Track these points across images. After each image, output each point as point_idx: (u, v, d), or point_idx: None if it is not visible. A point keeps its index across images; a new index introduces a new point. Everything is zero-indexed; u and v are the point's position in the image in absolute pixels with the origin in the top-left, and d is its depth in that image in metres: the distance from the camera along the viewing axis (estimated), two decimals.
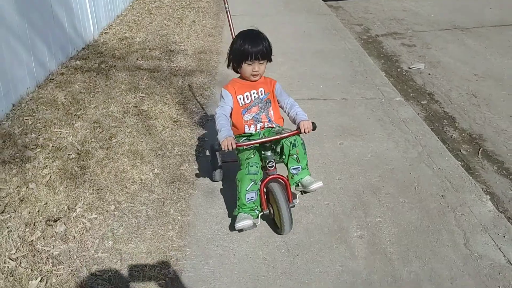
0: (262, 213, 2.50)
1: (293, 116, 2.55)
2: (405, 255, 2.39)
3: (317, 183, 2.54)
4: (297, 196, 2.62)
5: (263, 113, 2.59)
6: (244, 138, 2.59)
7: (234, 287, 2.19)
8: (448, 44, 6.17)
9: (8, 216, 2.57)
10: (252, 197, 2.45)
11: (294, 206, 2.53)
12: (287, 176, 2.54)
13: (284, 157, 2.55)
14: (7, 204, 2.67)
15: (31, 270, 2.21)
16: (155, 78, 4.55)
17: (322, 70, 5.02)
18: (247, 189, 2.42)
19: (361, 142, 3.49)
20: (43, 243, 2.39)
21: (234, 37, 2.71)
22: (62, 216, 2.59)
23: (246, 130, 2.57)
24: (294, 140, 2.51)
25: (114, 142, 3.35)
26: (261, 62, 2.50)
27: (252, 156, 2.50)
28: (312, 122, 2.46)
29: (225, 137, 2.35)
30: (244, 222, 2.39)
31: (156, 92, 4.21)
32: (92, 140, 3.36)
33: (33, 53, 4.18)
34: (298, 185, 2.61)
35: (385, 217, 2.68)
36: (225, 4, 3.32)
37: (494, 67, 5.29)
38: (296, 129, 2.46)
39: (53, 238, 2.43)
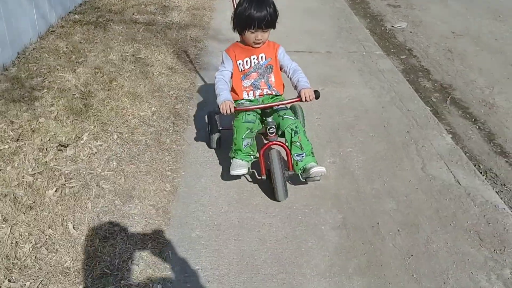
0: (259, 177, 2.51)
1: (295, 83, 2.49)
2: (369, 176, 2.78)
3: (318, 168, 2.39)
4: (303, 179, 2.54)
5: (262, 80, 2.56)
6: (243, 101, 2.60)
7: (222, 198, 2.58)
8: (431, 5, 6.44)
9: (22, 143, 2.92)
10: (248, 142, 2.46)
11: (293, 174, 2.50)
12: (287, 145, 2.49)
13: (287, 144, 2.49)
14: (20, 133, 3.01)
15: (47, 183, 2.58)
16: (151, 30, 4.83)
17: (310, 26, 5.31)
18: (243, 136, 2.43)
19: (340, 89, 3.84)
20: (55, 163, 2.75)
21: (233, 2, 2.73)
22: (70, 143, 2.95)
23: (245, 96, 2.57)
24: (296, 127, 2.44)
25: (114, 84, 3.68)
26: (265, 30, 2.42)
27: (251, 113, 2.49)
28: (315, 91, 2.41)
29: (224, 101, 2.35)
30: (239, 170, 2.43)
31: (152, 43, 4.50)
32: (94, 83, 3.68)
33: (35, 5, 4.43)
34: (303, 171, 2.47)
35: (356, 148, 3.06)
36: None
37: (472, 26, 5.60)
38: (297, 97, 2.42)
39: (64, 160, 2.79)
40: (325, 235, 2.32)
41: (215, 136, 2.88)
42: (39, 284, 1.98)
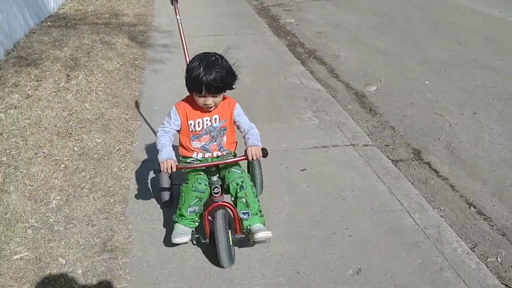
0: (204, 241, 2.36)
1: (245, 141, 2.41)
2: (260, 82, 4.99)
3: (264, 232, 2.28)
4: (249, 241, 2.41)
5: (214, 143, 2.46)
6: (192, 159, 2.50)
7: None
8: (314, 8, 9.03)
9: (40, 83, 4.84)
10: (195, 210, 2.35)
11: (241, 238, 2.36)
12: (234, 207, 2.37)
13: (232, 198, 2.39)
14: (38, 79, 4.93)
15: (65, 92, 4.54)
16: (109, 27, 6.89)
17: (222, 23, 7.62)
18: (190, 204, 2.32)
19: (242, 51, 6.10)
20: (66, 87, 4.71)
21: (184, 50, 2.84)
22: (71, 79, 4.91)
23: (194, 155, 2.48)
24: (242, 181, 2.33)
25: (92, 54, 5.69)
26: (215, 95, 2.27)
27: (202, 173, 2.38)
28: (263, 149, 2.31)
29: (165, 159, 2.25)
30: (181, 238, 2.31)
31: (112, 34, 6.56)
32: (78, 54, 5.66)
33: (21, 13, 6.38)
34: (248, 232, 2.35)
35: (248, 72, 5.28)
36: (176, 15, 3.14)
37: (338, 19, 8.17)
38: (243, 155, 2.31)
39: (70, 86, 4.76)
40: None
41: (165, 194, 2.77)
42: None
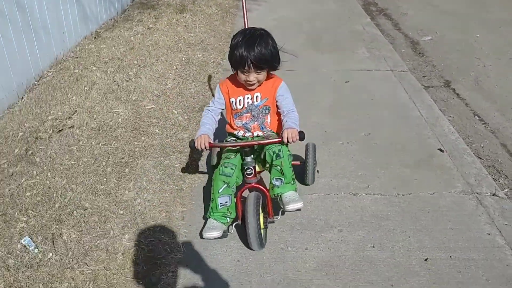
0: (236, 222, 2.34)
1: (283, 124, 2.34)
2: (327, 29, 6.13)
3: (296, 203, 2.24)
4: (280, 212, 2.40)
5: (255, 122, 2.43)
6: (232, 138, 2.50)
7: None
8: None
9: (158, 20, 6.40)
10: (226, 202, 2.30)
11: (273, 222, 2.37)
12: (269, 184, 2.35)
13: (267, 165, 2.36)
14: (157, 16, 6.50)
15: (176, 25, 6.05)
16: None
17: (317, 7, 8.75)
18: (219, 191, 2.29)
19: (319, 5, 7.22)
20: (176, 21, 6.22)
21: (244, 19, 2.85)
22: (182, 18, 6.42)
23: (235, 133, 2.48)
24: (279, 150, 2.28)
25: (196, 2, 7.16)
26: (258, 71, 2.23)
27: (232, 157, 2.35)
28: (300, 131, 2.22)
29: (200, 135, 2.26)
30: (211, 233, 2.24)
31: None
32: (187, 3, 7.16)
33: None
34: (280, 199, 2.32)
35: (323, 17, 6.41)
36: None
37: None
38: (279, 138, 2.25)
39: (181, 21, 6.27)
40: None
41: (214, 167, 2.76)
42: None
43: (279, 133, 2.40)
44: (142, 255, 2.37)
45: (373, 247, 2.42)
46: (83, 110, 3.81)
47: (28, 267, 2.26)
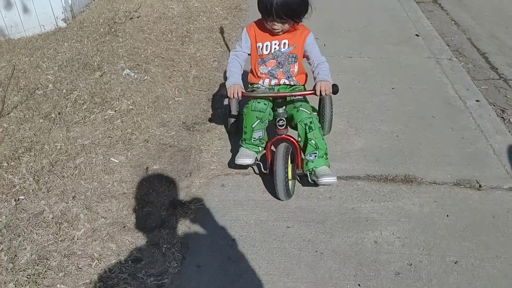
0: (265, 171, 2.44)
1: (315, 76, 2.32)
2: None
3: (330, 177, 2.25)
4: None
5: (281, 69, 2.42)
6: (258, 85, 2.51)
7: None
8: None
9: None
10: (260, 136, 2.39)
11: (302, 174, 2.40)
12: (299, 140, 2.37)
13: (300, 139, 2.38)
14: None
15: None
16: None
17: None
18: (253, 126, 2.34)
19: None
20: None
21: None
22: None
23: (260, 82, 2.48)
24: (311, 122, 2.30)
25: None
26: (284, 21, 2.22)
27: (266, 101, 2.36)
28: (334, 85, 2.23)
29: (232, 84, 2.27)
30: (245, 159, 2.36)
31: None
32: None
33: None
34: (311, 173, 2.35)
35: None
36: None
37: None
38: (312, 90, 2.25)
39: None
40: None
41: (231, 120, 2.83)
42: None
43: (304, 85, 2.52)
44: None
45: (359, 82, 3.65)
46: (146, 6, 5.01)
47: (134, 83, 3.54)
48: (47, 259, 2.11)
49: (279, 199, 2.38)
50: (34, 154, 2.76)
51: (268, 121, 2.40)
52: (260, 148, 2.47)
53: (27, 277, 2.02)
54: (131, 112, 3.16)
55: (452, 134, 3.02)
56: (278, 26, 2.27)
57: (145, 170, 2.64)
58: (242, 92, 2.26)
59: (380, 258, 2.14)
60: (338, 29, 4.59)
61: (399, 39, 4.37)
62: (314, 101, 2.73)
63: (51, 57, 3.99)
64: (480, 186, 2.58)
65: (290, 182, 2.33)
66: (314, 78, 2.33)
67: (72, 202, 2.42)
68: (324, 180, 2.25)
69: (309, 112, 2.35)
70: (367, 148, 2.88)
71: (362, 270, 2.09)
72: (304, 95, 2.35)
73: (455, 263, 2.11)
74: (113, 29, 4.45)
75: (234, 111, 2.83)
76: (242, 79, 2.38)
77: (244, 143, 2.45)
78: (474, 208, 2.42)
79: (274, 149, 2.34)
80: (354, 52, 4.11)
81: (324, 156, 2.36)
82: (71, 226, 2.28)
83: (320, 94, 2.24)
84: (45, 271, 2.05)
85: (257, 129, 2.37)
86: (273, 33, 2.36)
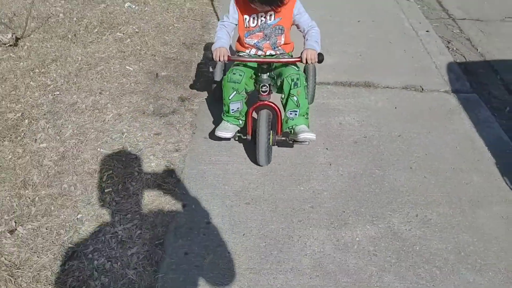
0: (244, 137, 2.49)
1: (304, 42, 2.39)
2: None
3: (309, 133, 2.33)
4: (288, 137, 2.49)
5: (267, 42, 2.46)
6: (244, 53, 2.54)
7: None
8: None
9: None
10: (238, 107, 2.43)
11: (281, 140, 2.48)
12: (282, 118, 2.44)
13: (283, 96, 2.40)
14: None
15: None
16: None
17: None
18: (230, 97, 2.39)
19: None
20: None
21: None
22: None
23: (247, 52, 2.52)
24: (297, 79, 2.33)
25: None
26: (266, 5, 2.28)
27: (241, 65, 2.43)
28: (319, 54, 2.27)
29: (219, 47, 2.29)
30: (224, 133, 2.41)
31: None
32: None
33: None
34: (291, 131, 2.43)
35: None
36: None
37: None
38: (298, 57, 2.29)
39: None
40: None
41: (214, 86, 2.90)
42: None
43: (290, 53, 2.55)
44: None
45: (330, 16, 4.29)
46: None
47: (136, 13, 4.08)
48: (85, 134, 2.73)
49: (259, 165, 2.48)
50: (60, 63, 3.32)
51: (246, 91, 2.46)
52: (240, 121, 2.50)
53: (73, 144, 2.64)
54: (137, 34, 3.73)
55: (404, 54, 3.73)
56: (261, 9, 2.35)
57: (155, 76, 3.25)
58: (228, 55, 2.29)
59: (343, 133, 2.85)
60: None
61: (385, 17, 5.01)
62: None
63: None
64: (422, 89, 3.31)
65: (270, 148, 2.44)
66: (304, 44, 2.39)
67: (99, 96, 3.02)
68: (303, 136, 2.33)
69: (297, 69, 2.40)
70: (336, 64, 3.56)
71: (329, 140, 2.79)
72: (290, 62, 2.39)
73: (398, 136, 2.85)
74: None
75: (217, 77, 2.84)
76: (229, 47, 2.44)
77: (224, 115, 2.50)
78: (416, 103, 3.16)
79: (256, 115, 2.42)
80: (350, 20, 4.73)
81: (305, 116, 2.44)
82: (101, 112, 2.89)
83: (306, 62, 2.28)
84: (86, 141, 2.67)
85: (234, 101, 2.42)
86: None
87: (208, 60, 3.21)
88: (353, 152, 2.70)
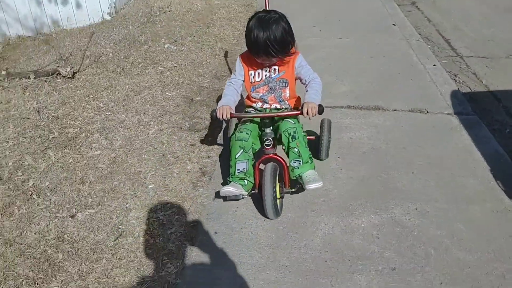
0: (253, 191, 2.51)
1: (305, 94, 2.46)
2: None
3: (315, 183, 2.38)
4: (296, 185, 2.57)
5: (272, 94, 2.56)
6: (251, 109, 2.66)
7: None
8: None
9: None
10: (244, 168, 2.45)
11: (290, 193, 2.55)
12: (288, 166, 2.50)
13: (283, 147, 2.51)
14: None
15: None
16: None
17: None
18: (236, 157, 2.45)
19: None
20: None
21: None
22: None
23: (254, 105, 2.64)
24: (294, 132, 2.43)
25: None
26: (272, 56, 2.36)
27: (249, 123, 2.55)
28: (319, 105, 2.34)
29: (222, 105, 2.38)
30: (228, 189, 2.38)
31: None
32: None
33: None
34: (300, 178, 2.49)
35: None
36: None
37: None
38: (299, 110, 2.37)
39: None
40: None
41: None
42: None
43: (293, 106, 2.64)
44: None
45: (346, 53, 4.83)
46: (175, 3, 6.25)
47: (174, 52, 4.72)
48: (132, 144, 3.24)
49: (268, 218, 2.51)
50: (111, 91, 3.92)
51: (253, 152, 2.52)
52: (246, 182, 2.46)
53: (122, 152, 3.15)
54: (175, 68, 4.33)
55: (411, 83, 4.18)
56: (266, 61, 2.44)
57: (191, 100, 3.79)
58: (231, 112, 2.38)
59: (353, 146, 3.27)
60: (331, 20, 5.81)
61: (378, 27, 5.58)
62: (315, 127, 3.07)
63: (105, 38, 5.18)
64: (427, 111, 3.72)
65: (278, 201, 2.45)
66: (305, 97, 2.45)
67: (143, 115, 3.57)
68: (311, 187, 2.38)
69: (293, 122, 2.49)
70: (349, 91, 4.03)
71: (341, 150, 3.21)
72: (291, 115, 2.47)
73: (403, 148, 3.24)
74: (151, 19, 5.66)
75: (231, 134, 2.84)
76: (239, 103, 2.57)
77: (230, 177, 2.51)
78: (421, 122, 3.56)
79: (262, 169, 2.45)
80: (343, 35, 5.31)
81: (309, 161, 2.50)
82: (145, 127, 3.42)
83: (307, 115, 2.34)
84: (132, 149, 3.18)
85: (240, 160, 2.45)
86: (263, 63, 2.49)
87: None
88: (361, 160, 3.10)
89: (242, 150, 2.44)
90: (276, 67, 2.50)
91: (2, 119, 3.54)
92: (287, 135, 2.44)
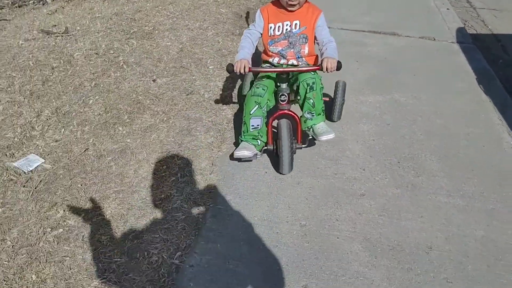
0: (265, 147, 2.52)
1: (322, 52, 2.45)
2: None
3: (328, 135, 2.43)
4: (307, 139, 2.60)
5: (291, 50, 2.52)
6: (267, 64, 2.63)
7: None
8: None
9: None
10: (258, 125, 2.45)
11: (301, 148, 2.56)
12: (300, 116, 2.51)
13: (299, 97, 2.50)
14: None
15: None
16: None
17: None
18: (251, 112, 2.43)
19: None
20: None
21: None
22: None
23: (270, 60, 2.59)
24: (313, 82, 2.42)
25: None
26: None
27: (264, 79, 2.52)
28: (338, 61, 2.33)
29: (240, 59, 2.36)
30: (242, 152, 2.39)
31: None
32: None
33: None
34: (310, 129, 2.53)
35: None
36: None
37: None
38: (318, 65, 2.36)
39: None
40: None
41: (241, 100, 2.92)
42: None
43: (311, 63, 2.60)
44: None
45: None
46: None
47: None
48: (195, 40, 4.16)
49: (281, 173, 2.52)
50: (176, 5, 4.82)
51: (267, 109, 2.51)
52: (259, 141, 2.49)
53: (188, 45, 4.08)
54: None
55: (425, 18, 4.98)
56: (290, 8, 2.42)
57: (240, 16, 4.68)
58: (249, 67, 2.34)
59: (370, 55, 4.12)
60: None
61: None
62: (329, 88, 2.98)
63: None
64: (434, 39, 4.55)
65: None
66: (321, 55, 2.46)
67: (203, 22, 4.48)
68: (323, 138, 2.45)
69: (313, 73, 2.48)
70: (372, 21, 4.84)
71: (360, 58, 4.08)
72: (309, 70, 2.44)
73: (411, 60, 4.09)
74: None
75: (246, 91, 2.81)
76: (254, 57, 2.52)
77: (243, 136, 2.51)
78: (428, 46, 4.38)
79: (275, 125, 2.51)
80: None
81: (321, 114, 2.54)
82: (204, 30, 4.32)
83: (326, 70, 2.34)
84: (196, 44, 4.10)
85: (254, 116, 2.44)
86: (285, 15, 2.48)
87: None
88: (375, 65, 3.96)
89: (257, 106, 2.46)
90: (297, 22, 2.48)
91: (89, 19, 4.50)
92: (305, 85, 2.45)
